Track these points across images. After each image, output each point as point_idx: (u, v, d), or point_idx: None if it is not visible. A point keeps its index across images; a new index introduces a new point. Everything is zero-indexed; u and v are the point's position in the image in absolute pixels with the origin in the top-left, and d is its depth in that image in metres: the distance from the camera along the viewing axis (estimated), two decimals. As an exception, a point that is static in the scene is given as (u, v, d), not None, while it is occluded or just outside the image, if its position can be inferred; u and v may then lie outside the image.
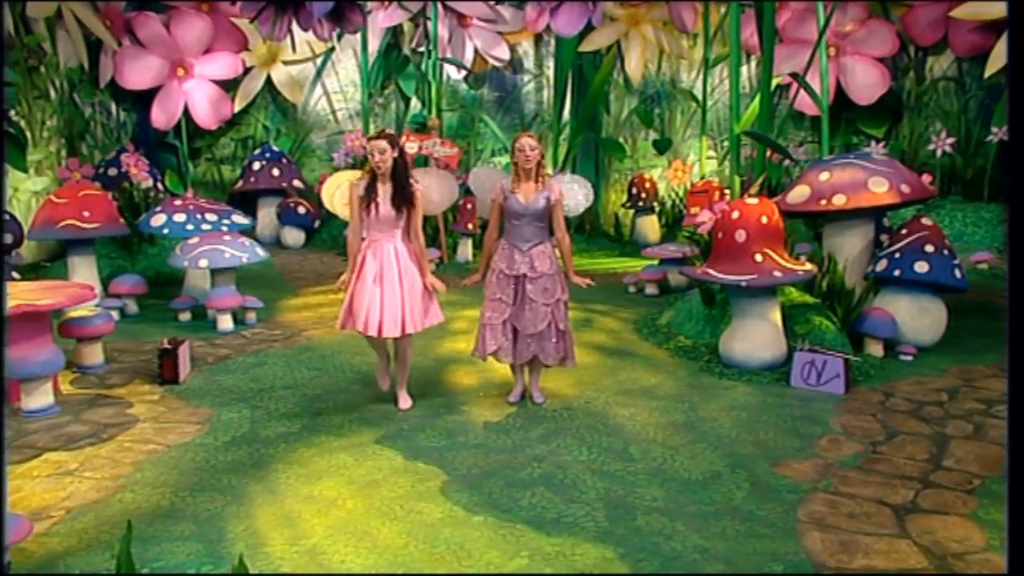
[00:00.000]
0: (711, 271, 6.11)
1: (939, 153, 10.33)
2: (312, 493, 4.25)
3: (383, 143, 5.08)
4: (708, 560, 3.63)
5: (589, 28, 11.64)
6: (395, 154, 5.13)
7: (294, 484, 4.36)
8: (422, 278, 5.27)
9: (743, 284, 5.88)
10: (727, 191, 8.98)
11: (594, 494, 4.25)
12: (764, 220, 6.06)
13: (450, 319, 7.40)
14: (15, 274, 7.34)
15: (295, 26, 8.26)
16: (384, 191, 5.15)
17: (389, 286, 5.14)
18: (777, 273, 5.90)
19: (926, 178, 7.13)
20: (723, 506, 4.13)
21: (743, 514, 4.04)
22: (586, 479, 4.41)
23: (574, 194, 5.53)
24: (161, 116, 11.71)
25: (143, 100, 11.90)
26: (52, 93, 10.52)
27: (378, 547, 3.73)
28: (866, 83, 11.14)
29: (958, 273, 6.47)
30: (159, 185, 10.71)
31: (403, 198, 5.14)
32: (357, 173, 5.65)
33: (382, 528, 3.90)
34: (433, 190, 5.75)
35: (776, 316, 6.11)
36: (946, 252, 6.50)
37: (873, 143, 10.12)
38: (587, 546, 3.74)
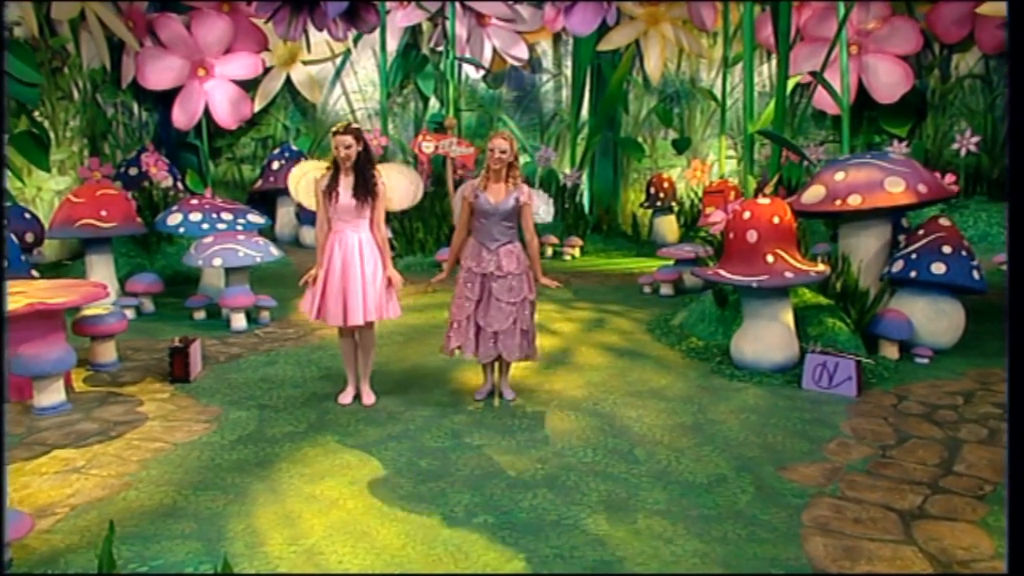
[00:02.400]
0: (722, 272, 6.05)
1: (963, 152, 10.16)
2: (314, 493, 4.26)
3: (348, 138, 5.19)
4: (707, 564, 3.58)
5: (607, 27, 11.62)
6: (359, 148, 5.25)
7: (297, 483, 4.36)
8: (383, 270, 5.36)
9: (754, 285, 5.81)
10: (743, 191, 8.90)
11: (596, 496, 4.21)
12: (776, 220, 5.99)
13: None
14: (35, 272, 7.43)
15: (311, 26, 8.31)
16: (346, 183, 5.26)
17: (352, 276, 5.26)
18: (789, 274, 5.83)
19: (949, 178, 7.00)
20: (726, 510, 4.08)
21: (746, 518, 3.98)
22: (589, 481, 4.38)
23: (535, 206, 5.62)
24: (182, 116, 11.85)
25: (164, 100, 12.05)
26: (75, 94, 10.67)
27: (376, 547, 3.72)
28: (888, 81, 10.99)
29: (976, 274, 6.36)
30: (179, 184, 10.81)
31: (365, 189, 5.25)
32: (318, 163, 5.72)
33: (381, 529, 3.89)
34: (394, 187, 5.78)
35: (788, 317, 6.04)
36: (964, 253, 6.38)
37: (895, 142, 9.99)
38: (586, 549, 3.71)
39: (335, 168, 5.29)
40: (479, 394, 5.63)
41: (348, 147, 5.18)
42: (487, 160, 5.30)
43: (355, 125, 5.33)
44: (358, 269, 5.26)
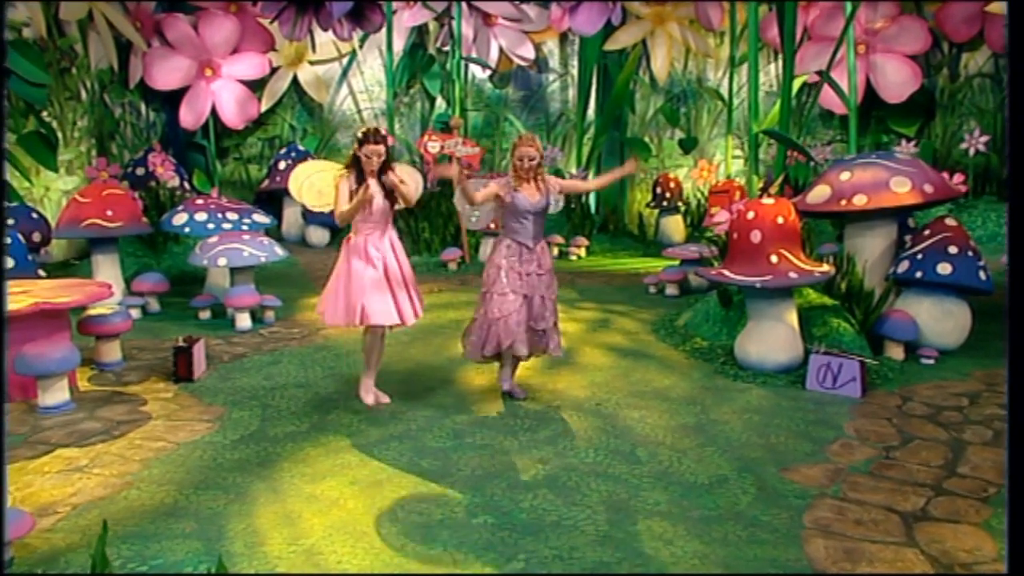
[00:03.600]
0: (726, 272, 6.03)
1: (972, 152, 10.10)
2: (315, 493, 4.26)
3: (382, 148, 5.20)
4: (707, 565, 3.57)
5: (613, 27, 11.59)
6: None
7: (298, 483, 4.37)
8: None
9: (758, 285, 5.79)
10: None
11: (597, 497, 4.20)
12: (780, 220, 5.97)
13: (465, 320, 7.41)
14: (41, 272, 7.48)
15: (316, 26, 8.32)
16: (375, 186, 5.25)
17: (394, 276, 5.31)
18: (793, 274, 5.80)
19: (958, 178, 6.96)
20: (727, 511, 4.06)
21: (747, 519, 3.97)
22: (590, 482, 4.37)
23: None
24: (189, 116, 11.88)
25: (172, 100, 12.09)
26: (83, 94, 10.72)
27: (375, 548, 3.72)
28: (897, 81, 10.94)
29: (983, 275, 6.31)
30: (186, 184, 10.85)
31: (392, 191, 5.31)
32: (323, 164, 5.70)
33: (381, 529, 3.89)
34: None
35: (792, 318, 6.01)
36: (970, 253, 6.34)
37: (904, 142, 9.94)
38: (585, 550, 3.69)
39: (358, 173, 5.22)
40: (505, 382, 5.61)
41: (381, 156, 5.19)
42: (514, 167, 5.30)
43: (383, 132, 5.33)
44: (398, 270, 5.32)
